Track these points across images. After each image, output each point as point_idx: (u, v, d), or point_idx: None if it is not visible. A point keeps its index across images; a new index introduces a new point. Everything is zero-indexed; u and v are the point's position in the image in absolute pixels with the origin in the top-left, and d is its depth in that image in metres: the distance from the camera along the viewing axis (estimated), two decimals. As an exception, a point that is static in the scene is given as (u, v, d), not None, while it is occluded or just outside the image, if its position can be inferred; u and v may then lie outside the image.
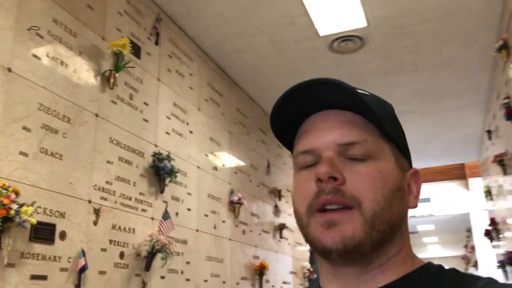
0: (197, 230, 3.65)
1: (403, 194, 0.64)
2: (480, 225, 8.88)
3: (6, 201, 1.92)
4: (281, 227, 5.40)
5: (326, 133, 0.63)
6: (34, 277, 2.14)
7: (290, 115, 0.66)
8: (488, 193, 5.80)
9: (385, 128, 0.63)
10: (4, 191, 1.94)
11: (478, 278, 0.60)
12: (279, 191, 5.50)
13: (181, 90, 3.66)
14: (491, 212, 6.51)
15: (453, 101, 5.31)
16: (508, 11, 3.35)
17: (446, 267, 0.65)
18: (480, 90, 5.02)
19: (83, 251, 2.42)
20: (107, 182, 2.71)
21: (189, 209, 3.57)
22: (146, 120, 3.15)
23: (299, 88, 0.63)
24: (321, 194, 0.60)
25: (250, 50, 4.11)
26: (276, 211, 5.42)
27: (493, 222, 5.85)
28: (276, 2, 3.44)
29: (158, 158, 3.11)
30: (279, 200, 5.50)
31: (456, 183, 10.90)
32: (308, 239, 0.63)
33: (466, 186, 10.67)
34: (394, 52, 4.16)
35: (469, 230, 11.95)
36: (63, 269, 2.31)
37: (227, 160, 4.37)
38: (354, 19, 3.66)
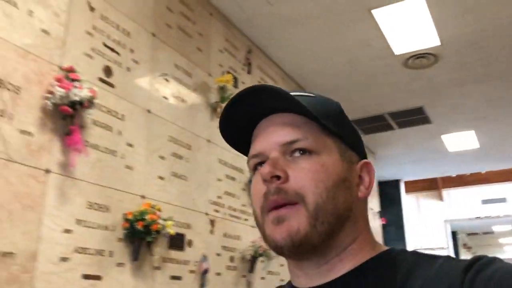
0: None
1: (349, 185, 0.66)
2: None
3: (155, 217, 2.43)
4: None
5: (270, 135, 0.66)
6: (173, 277, 2.65)
7: (241, 123, 0.70)
8: None
9: (324, 124, 0.65)
10: (152, 209, 2.46)
11: (437, 257, 0.61)
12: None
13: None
14: None
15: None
16: None
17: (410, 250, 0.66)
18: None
19: (204, 256, 2.91)
20: (218, 197, 3.20)
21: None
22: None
23: (240, 96, 0.66)
24: (268, 196, 0.63)
25: (328, 70, 4.49)
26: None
27: None
28: (354, 28, 3.79)
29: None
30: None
31: (533, 183, 10.59)
32: (264, 239, 0.66)
33: (544, 185, 10.35)
34: (467, 65, 4.37)
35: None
36: (191, 271, 2.81)
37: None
38: (427, 39, 3.93)
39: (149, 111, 2.68)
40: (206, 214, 3.04)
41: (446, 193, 11.49)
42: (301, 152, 0.64)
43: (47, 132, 2.03)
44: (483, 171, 9.70)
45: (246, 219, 3.48)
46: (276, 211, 0.62)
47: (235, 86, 3.58)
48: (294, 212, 0.62)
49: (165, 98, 2.84)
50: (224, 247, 3.18)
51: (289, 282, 0.71)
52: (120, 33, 2.55)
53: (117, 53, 2.50)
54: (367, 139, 6.32)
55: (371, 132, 6.05)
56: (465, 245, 15.15)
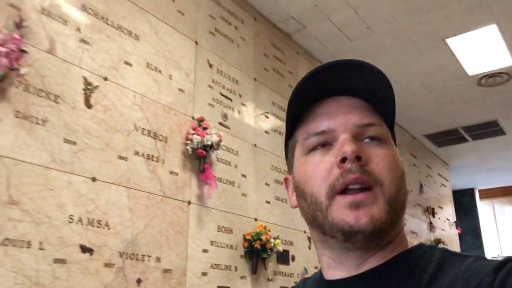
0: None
1: (405, 179, 0.65)
2: None
3: (268, 237, 2.88)
4: (437, 241, 5.91)
5: (343, 115, 0.63)
6: (282, 288, 3.08)
7: (304, 98, 0.66)
8: None
9: (392, 119, 0.65)
10: (265, 230, 2.91)
11: (467, 256, 0.60)
12: (433, 208, 6.02)
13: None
14: None
15: None
16: None
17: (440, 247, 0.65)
18: None
19: (305, 269, 3.32)
20: (312, 216, 3.60)
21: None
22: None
23: (328, 67, 0.63)
24: (348, 173, 0.59)
25: (404, 92, 4.79)
26: (431, 227, 5.94)
27: None
28: (429, 55, 4.09)
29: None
30: (433, 217, 6.01)
31: None
32: (327, 223, 0.61)
33: None
34: (542, 80, 4.52)
35: None
36: (296, 282, 3.23)
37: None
38: (500, 60, 4.15)
39: (255, 145, 3.14)
40: (304, 232, 3.45)
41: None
42: (371, 139, 0.63)
43: (187, 171, 2.53)
44: None
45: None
46: (351, 195, 0.59)
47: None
48: (373, 197, 0.59)
49: (266, 132, 3.30)
50: (320, 261, 3.58)
51: (317, 276, 0.70)
52: (231, 82, 3.04)
53: (230, 99, 2.99)
54: (441, 152, 6.50)
55: (445, 145, 6.23)
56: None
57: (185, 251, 2.43)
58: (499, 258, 0.57)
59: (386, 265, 0.62)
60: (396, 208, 0.61)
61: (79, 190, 1.98)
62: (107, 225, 2.06)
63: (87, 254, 1.96)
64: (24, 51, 1.78)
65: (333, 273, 0.65)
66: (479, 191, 8.89)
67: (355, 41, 3.85)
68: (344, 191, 0.60)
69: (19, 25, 1.83)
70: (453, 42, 3.86)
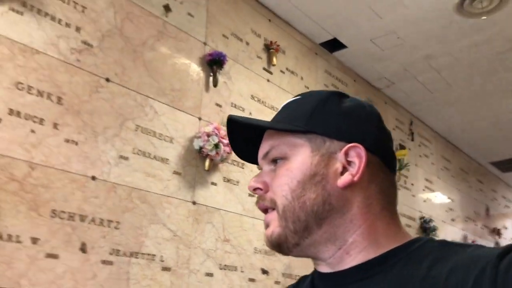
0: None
1: (320, 179, 0.64)
2: None
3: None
4: (503, 260, 6.46)
5: (259, 150, 0.72)
6: None
7: (246, 141, 0.76)
8: None
9: (285, 129, 0.68)
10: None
11: (469, 245, 0.60)
12: (498, 230, 6.58)
13: (428, 168, 5.17)
14: None
15: None
16: None
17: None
18: None
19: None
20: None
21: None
22: (413, 195, 4.73)
23: (228, 128, 0.75)
24: (257, 202, 0.71)
25: (474, 130, 5.43)
26: (497, 246, 6.50)
27: None
28: (501, 103, 4.74)
29: (425, 221, 4.66)
30: (499, 237, 6.57)
31: None
32: None
33: None
34: None
35: None
36: None
37: (460, 211, 5.71)
38: None
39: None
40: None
41: None
42: (274, 162, 0.69)
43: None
44: None
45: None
46: (265, 216, 0.69)
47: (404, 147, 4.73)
48: (271, 217, 0.67)
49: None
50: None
51: (314, 270, 0.72)
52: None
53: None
54: (507, 177, 7.04)
55: (509, 171, 6.79)
56: None
57: (319, 272, 3.25)
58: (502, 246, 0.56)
59: (379, 259, 0.62)
60: (293, 218, 0.64)
61: (260, 230, 2.84)
62: (274, 254, 2.91)
63: (265, 275, 2.82)
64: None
65: (322, 267, 0.68)
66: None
67: (435, 93, 4.58)
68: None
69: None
70: (521, 93, 4.50)
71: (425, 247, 0.61)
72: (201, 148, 2.53)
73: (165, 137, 2.45)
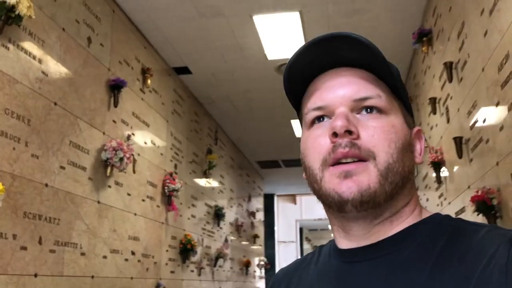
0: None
1: (412, 149, 0.66)
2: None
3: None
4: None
5: (339, 89, 0.64)
6: (191, 270, 5.04)
7: (302, 73, 0.67)
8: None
9: (396, 85, 0.64)
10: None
11: (483, 226, 0.60)
12: (254, 212, 8.58)
13: (223, 165, 6.59)
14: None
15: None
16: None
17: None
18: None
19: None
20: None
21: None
22: (212, 188, 6.07)
23: (318, 42, 0.63)
24: (338, 148, 0.61)
25: (252, 138, 7.10)
26: (252, 225, 8.49)
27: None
28: (277, 125, 6.47)
29: (218, 209, 6.07)
30: (254, 218, 8.58)
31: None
32: (321, 193, 0.63)
33: None
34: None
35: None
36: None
37: (236, 199, 7.36)
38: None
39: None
40: (199, 234, 5.46)
41: (299, 198, 15.05)
42: (369, 110, 0.63)
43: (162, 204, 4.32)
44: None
45: (211, 235, 5.95)
46: (343, 165, 0.61)
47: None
48: (364, 168, 0.60)
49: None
50: None
51: (333, 243, 0.70)
52: (179, 144, 4.86)
53: (178, 155, 4.81)
54: (264, 172, 9.12)
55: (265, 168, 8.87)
56: (306, 238, 19.09)
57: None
58: None
59: (397, 236, 0.62)
60: (392, 179, 0.61)
61: (132, 221, 3.66)
62: (138, 239, 3.77)
63: (133, 256, 3.67)
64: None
65: (344, 242, 0.67)
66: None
67: (240, 112, 5.99)
68: (337, 163, 0.61)
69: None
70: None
71: (441, 225, 0.62)
72: (107, 159, 3.22)
73: (85, 149, 3.06)
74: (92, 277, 3.06)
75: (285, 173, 9.30)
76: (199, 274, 5.25)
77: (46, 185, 2.64)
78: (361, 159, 0.61)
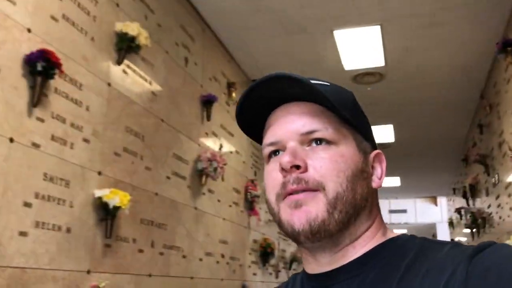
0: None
1: (366, 176, 0.66)
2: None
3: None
4: None
5: (288, 124, 0.66)
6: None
7: (256, 111, 0.69)
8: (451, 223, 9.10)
9: (343, 114, 0.65)
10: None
11: (446, 243, 0.62)
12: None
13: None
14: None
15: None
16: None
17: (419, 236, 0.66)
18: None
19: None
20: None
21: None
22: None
23: (259, 84, 0.65)
24: (287, 184, 0.63)
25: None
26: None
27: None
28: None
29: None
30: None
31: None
32: (280, 226, 0.65)
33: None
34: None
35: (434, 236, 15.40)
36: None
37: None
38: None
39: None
40: (276, 238, 5.68)
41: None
42: (319, 142, 0.65)
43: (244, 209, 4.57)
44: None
45: None
46: (294, 196, 0.63)
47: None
48: (313, 197, 0.62)
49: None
50: None
51: (303, 269, 0.72)
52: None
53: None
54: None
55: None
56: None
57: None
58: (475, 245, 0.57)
59: (363, 259, 0.64)
60: (341, 208, 0.62)
61: (210, 222, 3.93)
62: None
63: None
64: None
65: (311, 268, 0.68)
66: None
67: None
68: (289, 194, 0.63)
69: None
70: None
71: (406, 244, 0.64)
72: (202, 168, 3.50)
73: (185, 160, 3.36)
74: (191, 278, 3.35)
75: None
76: (277, 277, 5.47)
77: (156, 194, 2.94)
78: (310, 190, 0.63)
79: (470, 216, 5.76)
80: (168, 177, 3.10)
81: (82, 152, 2.27)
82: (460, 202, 7.47)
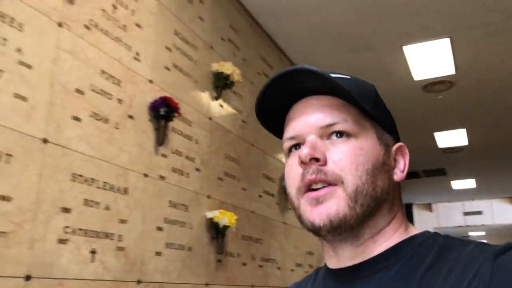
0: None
1: (387, 169, 0.66)
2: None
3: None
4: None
5: (308, 118, 0.66)
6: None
7: (276, 105, 0.70)
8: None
9: (363, 107, 0.65)
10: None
11: (469, 241, 0.61)
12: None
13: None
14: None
15: None
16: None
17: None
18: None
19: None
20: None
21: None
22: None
23: (278, 78, 0.66)
24: (306, 175, 0.63)
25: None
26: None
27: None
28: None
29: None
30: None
31: (505, 202, 13.78)
32: (300, 220, 0.66)
33: None
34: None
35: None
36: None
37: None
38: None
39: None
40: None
41: (435, 206, 14.62)
42: (339, 135, 0.65)
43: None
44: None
45: None
46: (313, 192, 0.63)
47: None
48: (333, 193, 0.62)
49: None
50: None
51: (325, 264, 0.72)
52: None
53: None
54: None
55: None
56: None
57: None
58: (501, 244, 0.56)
59: (385, 255, 0.64)
60: (362, 201, 0.62)
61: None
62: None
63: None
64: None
65: (333, 262, 0.68)
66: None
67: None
68: (310, 190, 0.64)
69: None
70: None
71: (429, 242, 0.63)
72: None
73: (272, 179, 3.65)
74: None
75: (424, 182, 9.29)
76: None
77: (252, 211, 3.25)
78: (330, 184, 0.63)
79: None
80: (260, 196, 3.40)
81: (195, 180, 2.62)
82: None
